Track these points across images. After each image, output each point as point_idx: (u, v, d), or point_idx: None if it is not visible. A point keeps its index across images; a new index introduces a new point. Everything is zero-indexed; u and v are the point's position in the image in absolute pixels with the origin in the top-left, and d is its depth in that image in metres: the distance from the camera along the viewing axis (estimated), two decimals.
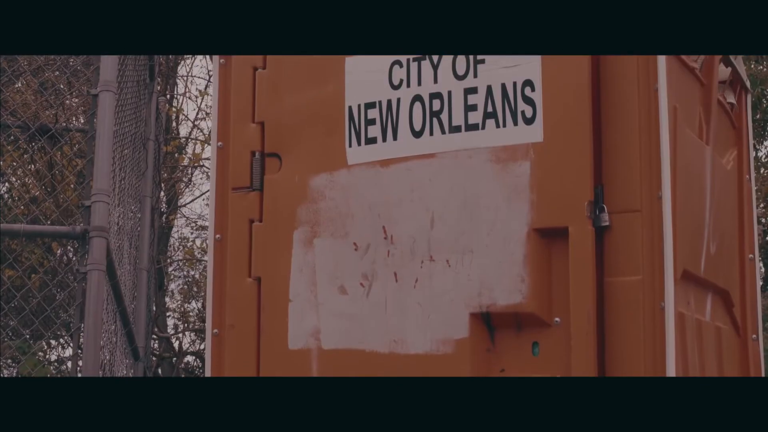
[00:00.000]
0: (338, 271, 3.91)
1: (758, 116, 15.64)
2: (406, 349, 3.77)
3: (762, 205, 14.61)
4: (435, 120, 3.84)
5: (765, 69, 14.82)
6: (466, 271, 3.71)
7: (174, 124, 14.55)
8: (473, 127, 3.78)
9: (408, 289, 3.79)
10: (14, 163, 10.15)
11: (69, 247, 11.07)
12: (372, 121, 3.94)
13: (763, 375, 4.42)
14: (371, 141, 3.94)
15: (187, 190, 15.26)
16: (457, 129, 3.80)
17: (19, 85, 9.67)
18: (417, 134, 3.86)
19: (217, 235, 4.14)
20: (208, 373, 4.09)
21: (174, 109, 14.06)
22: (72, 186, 9.64)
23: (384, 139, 3.91)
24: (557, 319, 3.60)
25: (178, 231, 15.59)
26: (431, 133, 3.84)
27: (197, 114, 14.79)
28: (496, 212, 3.69)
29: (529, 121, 3.70)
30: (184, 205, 15.55)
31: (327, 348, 3.89)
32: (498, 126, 3.75)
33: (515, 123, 3.72)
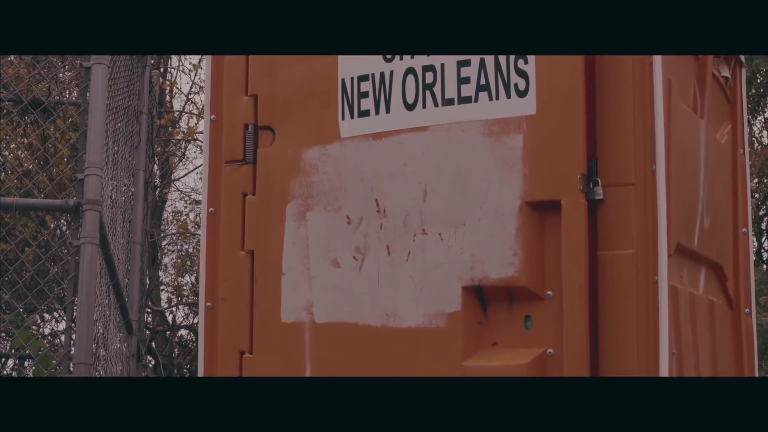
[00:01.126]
0: (331, 245, 3.91)
1: (753, 91, 15.65)
2: (398, 322, 3.77)
3: (756, 180, 14.64)
4: (428, 93, 3.83)
5: None
6: (458, 244, 3.70)
7: (167, 97, 14.51)
8: (466, 100, 3.77)
9: (400, 263, 3.79)
10: (7, 137, 10.12)
11: (62, 221, 11.05)
12: (365, 94, 3.93)
13: (755, 349, 4.42)
14: (364, 114, 3.92)
15: (180, 164, 15.24)
16: (450, 102, 3.79)
17: (12, 57, 9.63)
18: (410, 107, 3.85)
19: (210, 209, 4.13)
20: (201, 347, 4.08)
21: (167, 83, 14.02)
22: (65, 159, 9.62)
23: (377, 112, 3.90)
24: (549, 292, 3.60)
25: (171, 205, 15.59)
26: (424, 106, 3.83)
27: (191, 87, 14.78)
28: (489, 185, 3.68)
29: (522, 94, 3.69)
30: (178, 179, 15.53)
31: (320, 321, 3.89)
32: (491, 99, 3.73)
33: (508, 96, 3.71)
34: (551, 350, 3.56)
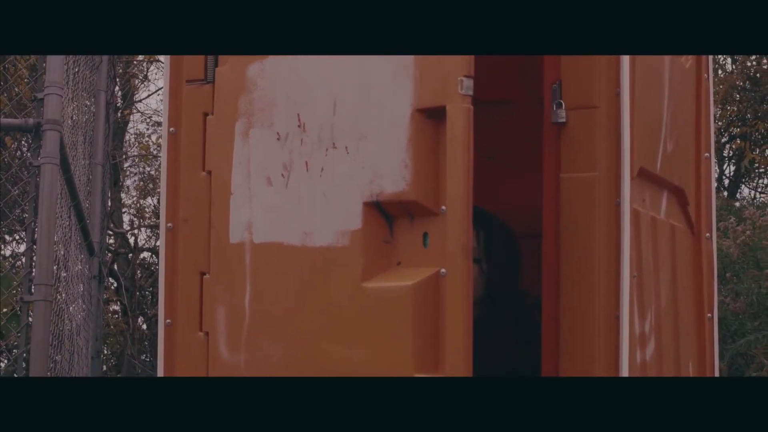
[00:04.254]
0: (266, 162, 3.77)
1: None
2: (313, 241, 3.63)
3: (719, 107, 14.68)
4: None
5: None
6: (361, 158, 3.54)
7: None
8: None
9: (315, 179, 3.64)
10: None
11: (23, 142, 10.95)
12: None
13: (715, 274, 4.45)
14: None
15: (142, 85, 15.11)
16: None
17: None
18: None
19: (171, 128, 4.07)
20: (162, 267, 4.05)
21: None
22: (25, 80, 9.50)
23: None
24: (443, 207, 3.39)
25: (133, 126, 15.48)
26: None
27: None
28: (386, 93, 3.51)
29: None
30: (140, 101, 15.41)
31: (257, 242, 3.77)
32: None
33: None
34: (444, 270, 3.38)
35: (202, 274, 3.91)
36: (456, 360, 3.28)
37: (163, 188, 4.08)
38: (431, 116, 3.41)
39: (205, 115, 3.97)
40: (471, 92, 3.36)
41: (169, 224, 4.02)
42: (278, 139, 3.74)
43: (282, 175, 3.73)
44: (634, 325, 3.62)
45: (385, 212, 3.50)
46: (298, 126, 3.69)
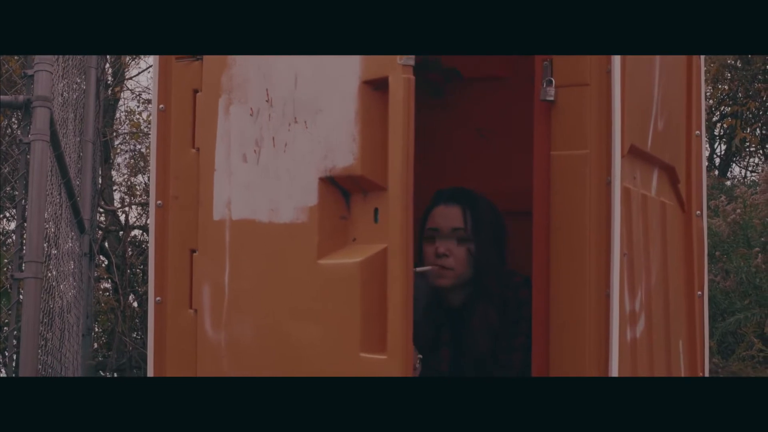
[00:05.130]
0: (242, 139, 3.73)
1: None
2: (278, 218, 3.57)
3: (710, 86, 14.67)
4: None
5: None
6: (318, 132, 3.47)
7: None
8: None
9: (281, 155, 3.59)
10: None
11: (13, 119, 10.92)
12: None
13: (705, 251, 4.45)
14: None
15: (133, 62, 15.04)
16: None
17: None
18: None
19: (161, 106, 4.06)
20: (151, 246, 4.04)
21: None
22: (15, 56, 9.46)
23: None
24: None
25: (124, 104, 15.43)
26: None
27: None
28: (339, 65, 3.44)
29: None
30: (130, 78, 15.35)
31: (235, 218, 3.74)
32: None
33: None
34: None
35: (192, 251, 3.91)
36: (394, 340, 3.20)
37: (153, 166, 4.06)
38: (378, 88, 3.34)
39: (195, 92, 3.96)
40: (412, 62, 3.27)
41: (159, 202, 4.01)
42: (251, 114, 3.71)
43: (254, 151, 3.69)
44: (624, 302, 3.62)
45: (341, 188, 3.45)
46: (267, 101, 3.65)
